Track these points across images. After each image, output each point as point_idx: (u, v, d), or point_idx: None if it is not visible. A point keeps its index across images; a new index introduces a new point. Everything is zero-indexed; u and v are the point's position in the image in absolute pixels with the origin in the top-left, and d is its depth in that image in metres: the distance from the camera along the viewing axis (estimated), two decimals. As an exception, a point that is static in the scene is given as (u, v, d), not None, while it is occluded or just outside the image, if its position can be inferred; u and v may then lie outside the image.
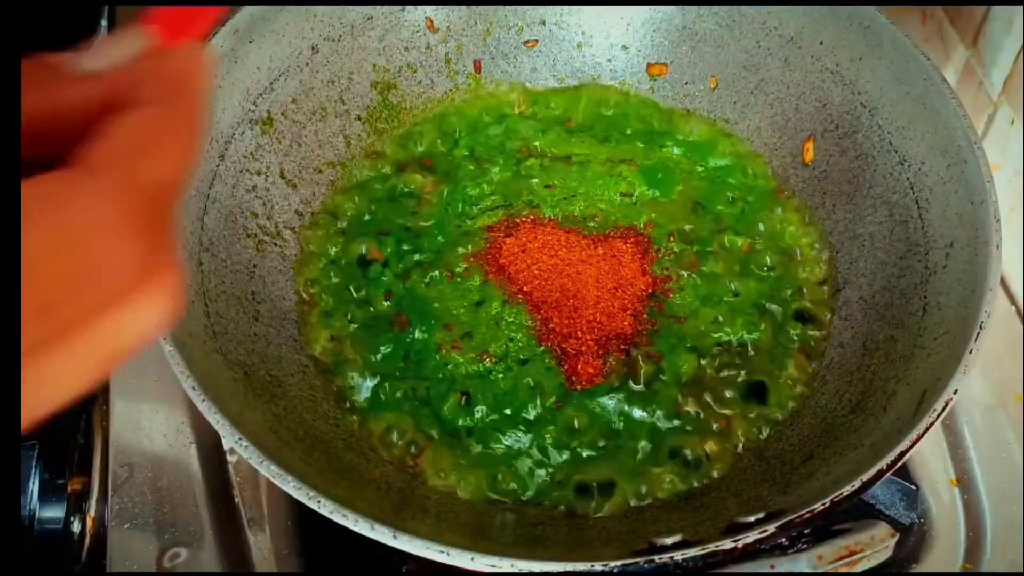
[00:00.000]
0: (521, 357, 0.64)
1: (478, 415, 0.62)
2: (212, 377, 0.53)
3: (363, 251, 0.68)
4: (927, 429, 0.49)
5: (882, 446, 0.50)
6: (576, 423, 0.61)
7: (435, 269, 0.68)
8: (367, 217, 0.71)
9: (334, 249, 0.69)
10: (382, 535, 0.46)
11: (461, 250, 0.69)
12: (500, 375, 0.63)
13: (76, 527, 0.61)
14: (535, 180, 0.73)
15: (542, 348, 0.64)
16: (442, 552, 0.45)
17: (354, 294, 0.67)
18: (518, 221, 0.71)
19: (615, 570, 0.45)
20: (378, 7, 0.73)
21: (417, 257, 0.69)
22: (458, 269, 0.68)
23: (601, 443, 0.61)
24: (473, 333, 0.65)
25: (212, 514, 0.61)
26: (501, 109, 0.78)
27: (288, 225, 0.69)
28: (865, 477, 0.48)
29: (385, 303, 0.66)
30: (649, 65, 0.78)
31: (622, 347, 0.64)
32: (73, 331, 0.26)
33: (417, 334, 0.65)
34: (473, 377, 0.63)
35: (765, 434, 0.62)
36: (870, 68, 0.68)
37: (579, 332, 0.65)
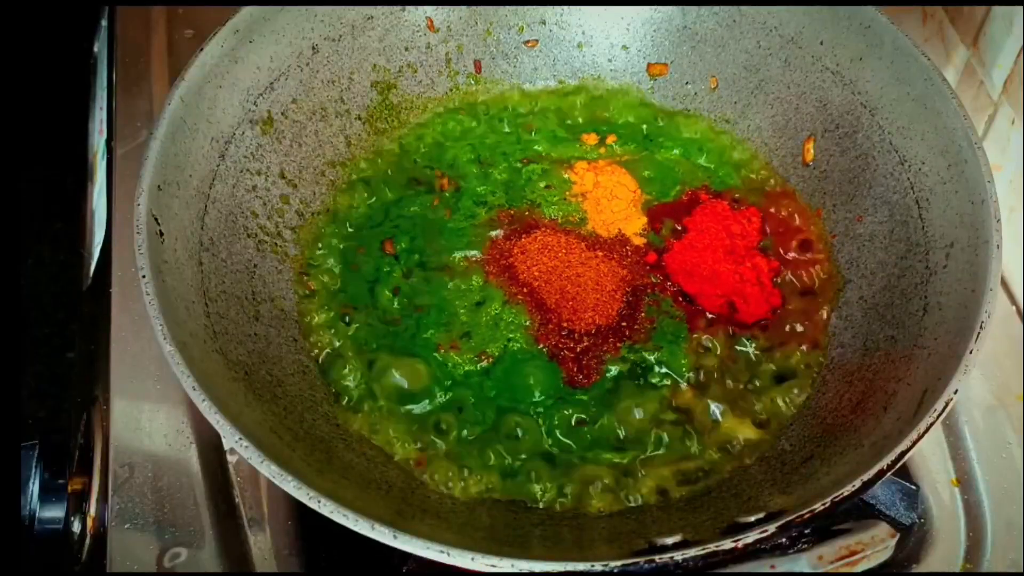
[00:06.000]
0: (519, 357, 0.64)
1: (478, 416, 0.62)
2: (212, 377, 0.53)
3: (378, 245, 0.69)
4: (927, 429, 0.49)
5: (882, 446, 0.50)
6: (574, 422, 0.61)
7: (437, 270, 0.68)
8: (371, 216, 0.71)
9: (340, 246, 0.69)
10: (382, 535, 0.46)
11: (463, 251, 0.69)
12: (499, 375, 0.63)
13: (76, 527, 0.61)
14: (535, 181, 0.73)
15: (540, 347, 0.64)
16: (442, 552, 0.45)
17: (359, 291, 0.67)
18: (519, 222, 0.71)
19: (615, 570, 0.45)
20: (378, 7, 0.73)
21: (419, 257, 0.69)
22: (459, 270, 0.68)
23: (600, 442, 0.61)
24: (472, 333, 0.65)
25: (212, 514, 0.61)
26: (502, 110, 0.78)
27: (288, 225, 0.69)
28: (865, 477, 0.48)
29: (392, 300, 0.66)
30: (649, 65, 0.78)
31: (618, 345, 0.64)
32: None
33: (417, 333, 0.65)
34: (472, 376, 0.63)
35: (765, 434, 0.62)
36: (870, 68, 0.68)
37: (578, 332, 0.65)
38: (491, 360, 0.64)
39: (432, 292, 0.67)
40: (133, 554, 0.59)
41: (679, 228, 0.71)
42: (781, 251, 0.70)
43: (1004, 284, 0.73)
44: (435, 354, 0.64)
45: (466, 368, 0.63)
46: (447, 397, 0.62)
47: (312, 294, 0.66)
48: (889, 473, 0.48)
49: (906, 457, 0.48)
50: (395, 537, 0.45)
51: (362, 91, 0.74)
